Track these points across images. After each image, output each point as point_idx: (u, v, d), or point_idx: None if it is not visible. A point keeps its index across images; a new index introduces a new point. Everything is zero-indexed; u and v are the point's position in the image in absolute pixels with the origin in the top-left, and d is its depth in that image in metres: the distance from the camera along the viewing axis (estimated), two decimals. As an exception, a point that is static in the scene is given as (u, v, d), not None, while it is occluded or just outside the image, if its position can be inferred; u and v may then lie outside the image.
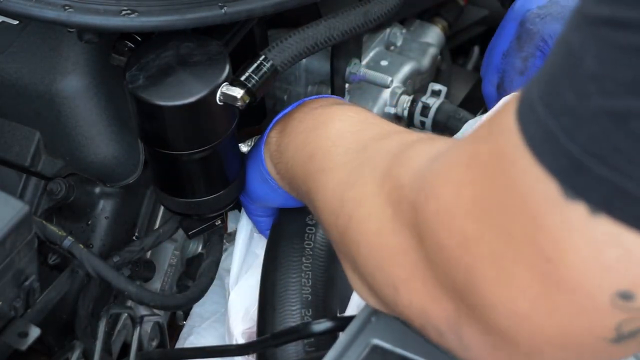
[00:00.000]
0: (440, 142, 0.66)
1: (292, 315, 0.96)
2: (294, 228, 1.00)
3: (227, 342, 1.05)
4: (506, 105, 0.57)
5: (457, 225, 0.57)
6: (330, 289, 0.99)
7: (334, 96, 1.01)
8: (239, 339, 1.03)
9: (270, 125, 0.95)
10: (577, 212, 0.51)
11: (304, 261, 0.98)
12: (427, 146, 0.67)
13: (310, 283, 0.97)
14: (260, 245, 1.06)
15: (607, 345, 0.54)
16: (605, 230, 0.51)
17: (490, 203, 0.56)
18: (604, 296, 0.52)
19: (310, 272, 0.98)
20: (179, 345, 1.15)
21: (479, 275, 0.56)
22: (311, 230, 1.00)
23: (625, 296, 0.52)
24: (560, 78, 0.53)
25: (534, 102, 0.53)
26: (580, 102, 0.51)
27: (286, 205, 1.00)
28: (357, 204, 0.70)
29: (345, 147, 0.80)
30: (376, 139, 0.78)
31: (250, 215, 1.06)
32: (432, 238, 0.59)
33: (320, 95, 0.98)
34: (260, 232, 1.06)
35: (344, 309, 1.02)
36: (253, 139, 1.12)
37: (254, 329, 1.01)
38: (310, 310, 0.96)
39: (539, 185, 0.53)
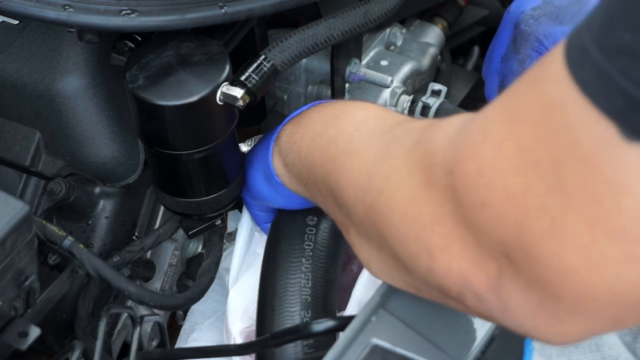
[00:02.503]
0: (470, 113, 0.65)
1: (291, 316, 0.95)
2: (294, 229, 1.00)
3: (225, 341, 1.05)
4: (548, 57, 0.55)
5: (500, 181, 0.56)
6: (330, 290, 0.99)
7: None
8: (237, 337, 1.02)
9: (285, 121, 0.95)
10: (635, 153, 0.50)
11: (304, 262, 0.98)
12: (456, 117, 0.66)
13: (310, 284, 0.97)
14: (260, 245, 1.06)
15: None
16: None
17: (538, 153, 0.54)
18: None
19: (310, 274, 0.97)
20: (181, 342, 1.15)
21: (527, 229, 0.55)
22: (311, 231, 1.00)
23: None
24: (616, 19, 0.51)
25: (587, 46, 0.52)
26: (637, 41, 0.50)
27: (286, 207, 1.00)
28: (387, 178, 0.69)
29: (370, 130, 0.80)
30: (401, 123, 0.77)
31: (249, 208, 1.06)
32: (473, 198, 0.58)
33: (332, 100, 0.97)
34: (258, 225, 1.06)
35: (343, 309, 1.02)
36: (253, 139, 1.12)
37: (253, 328, 1.01)
38: (309, 311, 0.96)
39: (594, 127, 0.51)
